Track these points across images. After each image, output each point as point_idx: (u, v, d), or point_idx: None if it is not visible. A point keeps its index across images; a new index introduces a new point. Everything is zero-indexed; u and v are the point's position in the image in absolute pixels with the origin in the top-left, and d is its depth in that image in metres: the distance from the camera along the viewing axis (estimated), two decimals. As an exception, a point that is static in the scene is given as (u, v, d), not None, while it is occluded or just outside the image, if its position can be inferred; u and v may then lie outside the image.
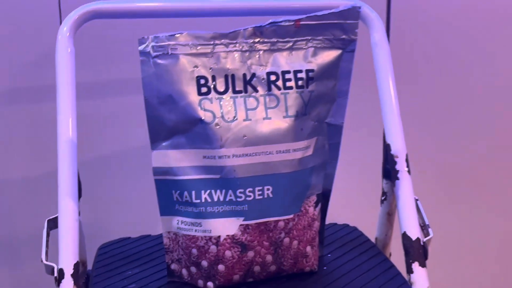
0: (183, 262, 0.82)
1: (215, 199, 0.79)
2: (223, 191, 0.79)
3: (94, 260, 0.92)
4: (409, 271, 0.84)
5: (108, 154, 1.19)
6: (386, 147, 0.90)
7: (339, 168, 1.23)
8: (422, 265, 0.84)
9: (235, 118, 0.78)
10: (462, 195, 1.33)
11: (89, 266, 0.95)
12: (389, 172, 0.90)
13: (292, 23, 0.81)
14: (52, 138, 0.85)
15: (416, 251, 0.85)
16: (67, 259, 0.79)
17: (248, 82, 0.80)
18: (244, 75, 0.80)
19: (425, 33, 1.24)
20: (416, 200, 0.90)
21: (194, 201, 0.79)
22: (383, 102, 0.92)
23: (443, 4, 1.23)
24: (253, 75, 0.80)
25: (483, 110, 1.29)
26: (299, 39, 0.82)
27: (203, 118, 0.77)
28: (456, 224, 1.34)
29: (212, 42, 0.79)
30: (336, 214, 1.12)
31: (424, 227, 0.89)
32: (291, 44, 0.82)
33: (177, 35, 0.78)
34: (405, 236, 0.85)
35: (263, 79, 0.80)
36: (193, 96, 0.78)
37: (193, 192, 0.79)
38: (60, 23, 0.90)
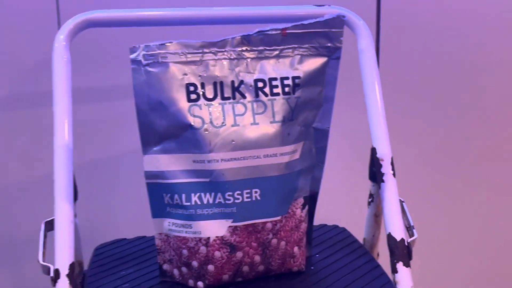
0: (174, 263, 0.85)
1: (205, 201, 0.82)
2: (213, 194, 0.82)
3: (90, 260, 0.95)
4: (394, 270, 0.87)
5: (105, 158, 1.22)
6: (372, 151, 0.93)
7: (331, 172, 1.27)
8: (406, 265, 0.87)
9: (224, 124, 0.81)
10: (452, 195, 1.35)
11: (87, 267, 0.98)
12: (375, 175, 0.93)
13: (279, 31, 0.84)
14: (50, 142, 0.88)
15: (401, 252, 0.87)
16: (63, 260, 0.81)
17: (236, 89, 0.83)
18: (233, 82, 0.83)
19: (415, 37, 1.26)
20: (402, 202, 0.93)
21: (185, 203, 0.82)
22: (369, 107, 0.95)
23: (432, 8, 1.25)
24: (241, 82, 0.83)
25: (474, 111, 1.31)
26: (285, 47, 0.85)
27: (192, 123, 0.80)
28: (446, 225, 1.36)
29: (201, 51, 0.82)
30: (327, 215, 1.15)
31: (409, 228, 0.91)
32: (278, 52, 0.85)
33: (167, 44, 0.81)
34: (390, 237, 0.88)
35: (250, 86, 0.83)
36: (182, 103, 0.81)
37: (184, 195, 0.82)
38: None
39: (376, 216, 1.00)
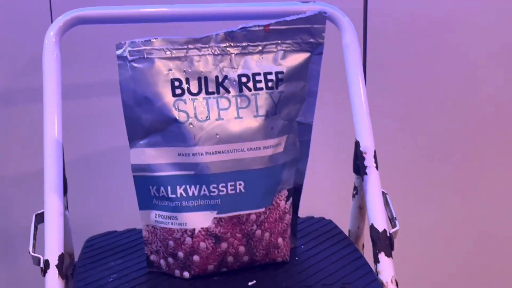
0: (161, 253, 0.88)
1: (190, 194, 0.84)
2: (197, 186, 0.84)
3: (81, 252, 0.97)
4: (376, 260, 0.89)
5: (97, 153, 1.24)
6: (356, 144, 0.95)
7: (319, 165, 1.29)
8: (388, 255, 0.89)
9: (208, 118, 0.83)
10: (438, 186, 1.37)
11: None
12: (359, 168, 0.95)
13: (262, 28, 0.86)
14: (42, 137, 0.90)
15: (383, 242, 0.89)
16: (52, 251, 0.84)
17: (221, 84, 0.85)
18: (217, 77, 0.85)
19: (403, 34, 1.28)
20: (385, 194, 0.95)
21: (170, 196, 0.84)
22: (353, 101, 0.97)
23: (420, 4, 1.27)
24: (225, 77, 0.85)
25: (460, 105, 1.33)
26: (268, 43, 0.87)
27: (177, 118, 0.82)
28: (430, 216, 1.38)
29: (185, 47, 0.84)
30: (315, 208, 1.17)
31: (392, 220, 0.93)
32: (261, 47, 0.87)
33: (152, 40, 0.83)
34: (372, 228, 0.90)
35: (234, 81, 0.85)
36: (168, 97, 0.83)
37: (169, 188, 0.84)
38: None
39: (360, 208, 1.02)
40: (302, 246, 0.96)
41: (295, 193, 0.93)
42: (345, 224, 1.06)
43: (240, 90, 0.85)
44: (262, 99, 0.85)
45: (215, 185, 0.84)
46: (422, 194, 1.36)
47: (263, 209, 0.86)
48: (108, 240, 1.00)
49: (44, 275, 0.83)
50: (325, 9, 0.91)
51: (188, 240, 0.85)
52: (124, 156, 1.16)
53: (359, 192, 1.01)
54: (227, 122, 0.84)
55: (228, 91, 0.85)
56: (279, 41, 0.87)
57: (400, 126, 1.32)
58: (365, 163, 0.94)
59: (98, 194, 1.26)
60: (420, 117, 1.32)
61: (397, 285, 0.87)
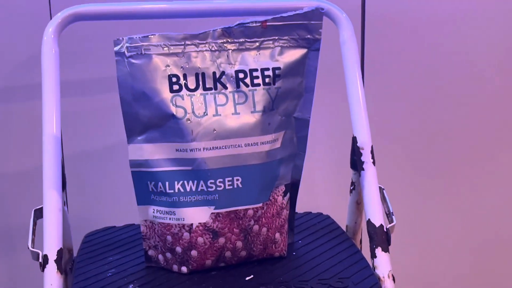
0: (159, 248, 0.88)
1: (188, 189, 0.84)
2: (195, 181, 0.84)
3: (79, 247, 0.97)
4: (373, 255, 0.89)
5: (97, 149, 1.25)
6: (353, 140, 0.96)
7: (318, 160, 1.29)
8: (385, 250, 0.89)
9: (205, 114, 0.84)
10: (435, 182, 1.37)
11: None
12: (356, 163, 0.95)
13: (259, 24, 0.87)
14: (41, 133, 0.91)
15: (380, 237, 0.90)
16: (51, 246, 0.84)
17: (218, 80, 0.85)
18: (214, 73, 0.85)
19: (401, 30, 1.28)
20: (382, 189, 0.95)
21: (168, 191, 0.84)
22: (350, 97, 0.97)
23: (418, 2, 1.27)
24: (223, 73, 0.85)
25: (458, 101, 1.33)
26: (266, 39, 0.87)
27: (175, 113, 0.83)
28: (428, 212, 1.38)
29: (183, 43, 0.84)
30: (313, 203, 1.18)
31: (388, 215, 0.94)
32: (258, 43, 0.87)
33: (150, 36, 0.83)
34: (369, 223, 0.91)
35: (232, 76, 0.86)
36: (165, 93, 0.83)
37: (167, 183, 0.84)
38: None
39: (358, 204, 1.03)
40: (300, 241, 0.97)
41: (293, 188, 0.93)
42: (342, 219, 1.06)
43: (238, 86, 0.86)
44: (259, 95, 0.86)
45: (212, 181, 0.84)
46: (419, 189, 1.36)
47: (260, 205, 0.87)
48: (107, 235, 1.01)
49: (43, 270, 0.84)
50: (322, 5, 0.92)
51: (186, 235, 0.85)
52: (122, 152, 1.16)
53: (356, 187, 1.01)
54: (224, 118, 0.84)
55: (225, 87, 0.85)
56: (276, 37, 0.88)
57: (397, 121, 1.32)
58: (362, 158, 0.94)
59: (96, 190, 1.27)
60: (417, 112, 1.32)
61: (393, 279, 0.87)
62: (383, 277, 0.87)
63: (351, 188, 1.02)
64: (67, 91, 1.17)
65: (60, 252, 0.84)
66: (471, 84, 1.32)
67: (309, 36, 0.89)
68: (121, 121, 0.85)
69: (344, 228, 1.04)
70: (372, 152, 0.95)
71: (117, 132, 1.15)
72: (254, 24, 0.87)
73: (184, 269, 0.87)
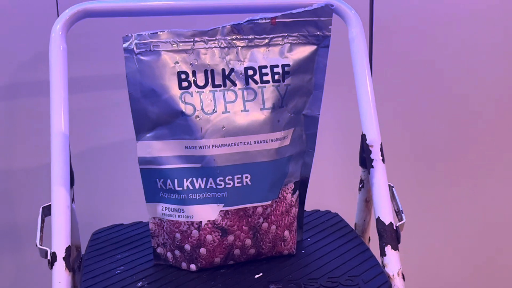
0: (167, 246, 0.88)
1: (197, 186, 0.84)
2: (204, 179, 0.84)
3: (87, 245, 0.97)
4: (383, 254, 0.89)
5: (104, 146, 1.25)
6: (362, 137, 0.95)
7: (327, 158, 1.29)
8: (395, 248, 0.89)
9: (214, 111, 0.83)
10: (444, 179, 1.37)
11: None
12: (365, 161, 0.95)
13: (269, 20, 0.86)
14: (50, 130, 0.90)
15: (389, 235, 0.89)
16: (59, 243, 0.84)
17: (227, 77, 0.85)
18: (223, 70, 0.85)
19: (409, 28, 1.28)
20: (392, 187, 0.95)
21: (177, 188, 0.84)
22: (359, 95, 0.96)
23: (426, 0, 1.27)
24: (232, 70, 0.85)
25: (466, 100, 1.32)
26: (275, 35, 0.87)
27: (184, 110, 0.83)
28: (437, 209, 1.38)
29: (192, 39, 0.84)
30: (321, 201, 1.18)
31: (398, 213, 0.93)
32: (267, 40, 0.87)
33: (159, 33, 0.83)
34: (378, 221, 0.90)
35: (241, 73, 0.85)
36: (174, 90, 0.83)
37: (176, 180, 0.84)
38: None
39: (367, 201, 1.02)
40: (309, 239, 0.96)
41: (302, 186, 0.93)
42: (351, 217, 1.06)
43: (247, 83, 0.85)
44: (269, 92, 0.85)
45: (221, 178, 0.84)
46: (428, 187, 1.35)
47: (269, 202, 0.87)
48: (115, 233, 1.01)
49: (51, 267, 0.84)
50: (331, 2, 0.91)
51: (195, 232, 0.85)
52: (131, 149, 1.16)
53: (365, 185, 1.01)
54: (233, 115, 0.84)
55: (234, 84, 0.85)
56: (286, 34, 0.87)
57: (406, 119, 1.32)
58: (372, 156, 0.94)
59: (104, 187, 1.26)
60: (427, 110, 1.32)
61: (403, 278, 0.87)
62: (393, 275, 0.86)
63: (360, 185, 1.01)
64: (75, 88, 1.17)
65: (68, 250, 0.84)
66: (479, 83, 1.31)
67: (318, 32, 0.88)
68: (130, 118, 0.84)
69: (352, 226, 1.04)
70: (381, 149, 0.94)
71: (126, 129, 1.15)
72: (264, 21, 0.86)
73: (193, 266, 0.86)
